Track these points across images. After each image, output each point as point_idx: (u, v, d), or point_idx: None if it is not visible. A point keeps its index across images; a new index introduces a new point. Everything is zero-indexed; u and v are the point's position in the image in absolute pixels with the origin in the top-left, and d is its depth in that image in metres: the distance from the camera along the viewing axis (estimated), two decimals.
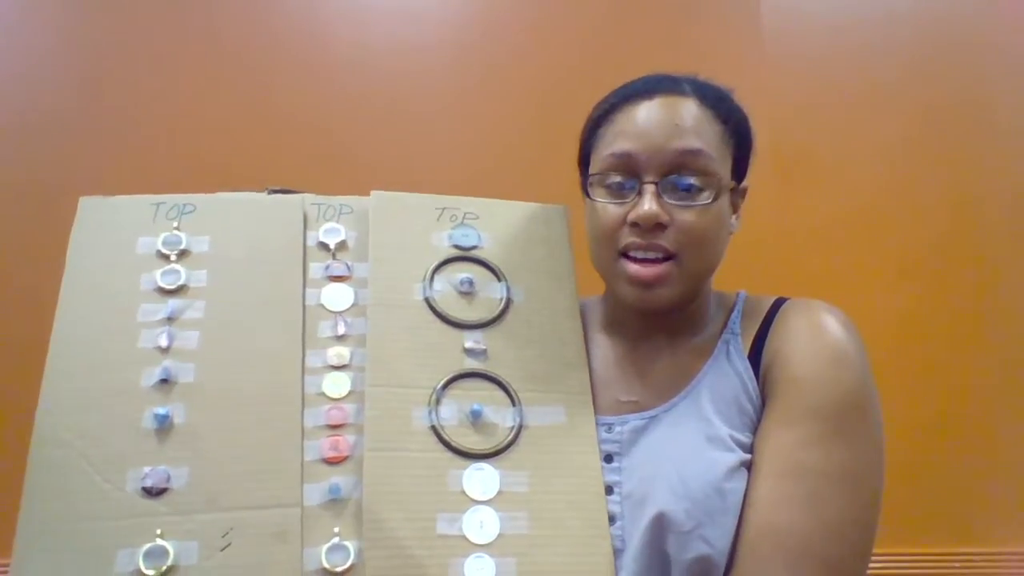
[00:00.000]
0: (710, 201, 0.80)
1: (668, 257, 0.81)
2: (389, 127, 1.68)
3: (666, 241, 0.80)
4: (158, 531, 0.73)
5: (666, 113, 0.81)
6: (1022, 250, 1.66)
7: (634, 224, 0.81)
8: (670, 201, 0.80)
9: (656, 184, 0.80)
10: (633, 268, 0.82)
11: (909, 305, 1.65)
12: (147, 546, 0.72)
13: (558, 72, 1.70)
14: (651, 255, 0.81)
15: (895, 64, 1.70)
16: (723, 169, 0.82)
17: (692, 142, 0.80)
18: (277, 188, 0.94)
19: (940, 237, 1.67)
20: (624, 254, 0.83)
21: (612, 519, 0.80)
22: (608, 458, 0.83)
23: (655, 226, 0.80)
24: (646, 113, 0.81)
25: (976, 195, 1.67)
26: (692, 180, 0.80)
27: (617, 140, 0.82)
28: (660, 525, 0.76)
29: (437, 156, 1.68)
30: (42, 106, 1.65)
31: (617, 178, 0.83)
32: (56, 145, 1.64)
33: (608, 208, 0.83)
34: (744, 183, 0.88)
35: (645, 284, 0.81)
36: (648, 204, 0.79)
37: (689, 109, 0.81)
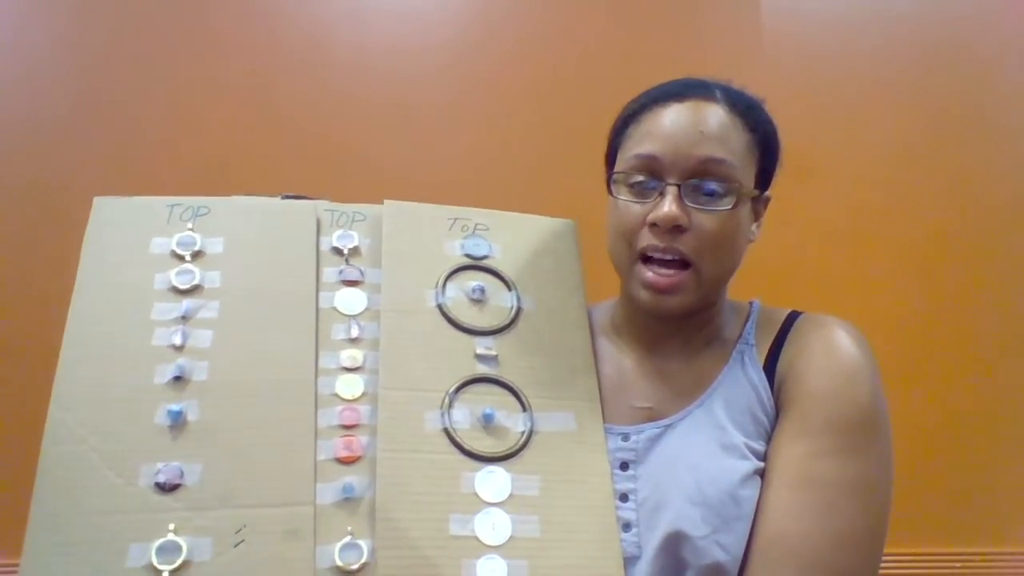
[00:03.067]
0: (731, 207, 0.81)
1: (685, 265, 0.82)
2: (389, 128, 1.69)
3: (684, 245, 0.81)
4: (171, 526, 0.72)
5: (693, 118, 0.82)
6: (1023, 250, 1.68)
7: (653, 224, 0.82)
8: (691, 205, 0.81)
9: (678, 187, 0.81)
10: (650, 276, 0.83)
11: (908, 305, 1.66)
12: (160, 541, 0.71)
13: (559, 73, 1.71)
14: (668, 257, 0.82)
15: (895, 64, 1.72)
16: (746, 177, 0.83)
17: (716, 150, 0.81)
18: (292, 194, 0.95)
19: (940, 237, 1.68)
20: (642, 257, 0.84)
21: (628, 526, 0.80)
22: (624, 466, 0.84)
23: (674, 228, 0.81)
24: (674, 116, 0.82)
25: (976, 195, 1.69)
26: (714, 186, 0.81)
27: (643, 141, 0.84)
28: (676, 531, 0.77)
29: (438, 157, 1.68)
30: (45, 108, 1.65)
31: (640, 178, 0.84)
32: (58, 147, 1.64)
33: (630, 207, 0.84)
34: (767, 193, 0.89)
35: (660, 291, 0.83)
36: (668, 206, 0.80)
37: (717, 116, 0.82)
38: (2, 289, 1.59)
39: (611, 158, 0.91)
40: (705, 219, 0.81)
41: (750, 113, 0.85)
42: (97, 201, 0.89)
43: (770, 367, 0.85)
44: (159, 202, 0.91)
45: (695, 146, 0.81)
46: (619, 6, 1.75)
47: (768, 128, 0.87)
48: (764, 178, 0.88)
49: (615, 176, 0.87)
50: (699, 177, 0.81)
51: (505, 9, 1.75)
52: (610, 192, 0.88)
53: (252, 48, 1.70)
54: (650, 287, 0.83)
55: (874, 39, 1.73)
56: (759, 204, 0.89)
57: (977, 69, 1.73)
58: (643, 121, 0.85)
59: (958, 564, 1.60)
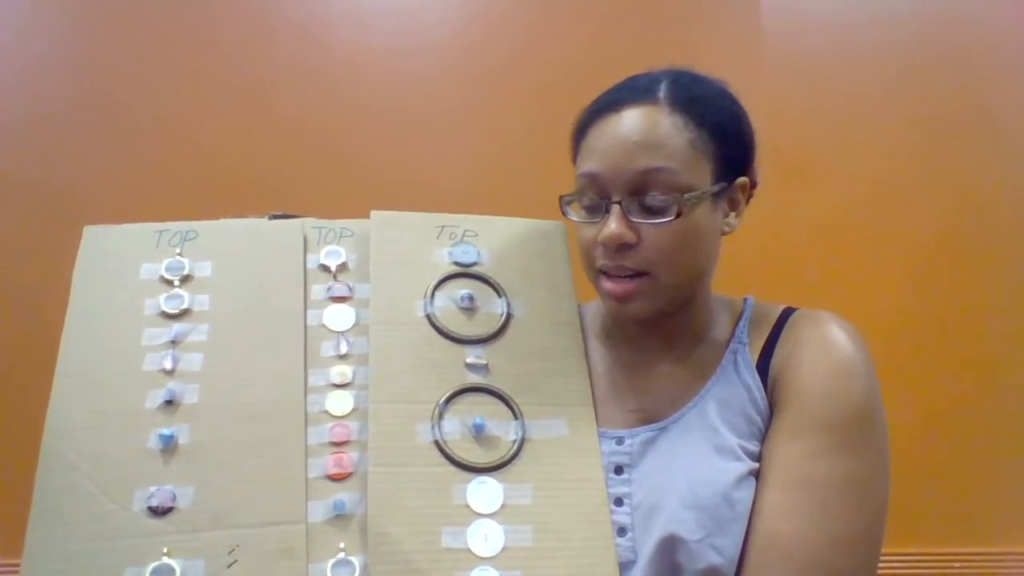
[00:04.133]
0: (674, 217, 0.78)
1: (640, 273, 0.81)
2: (390, 129, 1.69)
3: (633, 261, 0.80)
4: (164, 550, 0.73)
5: (628, 129, 0.80)
6: (1022, 249, 1.65)
7: (603, 244, 0.81)
8: (637, 220, 0.79)
9: (621, 204, 0.79)
10: (608, 285, 0.83)
11: (908, 305, 1.65)
12: (153, 564, 0.72)
13: (558, 73, 1.70)
14: (623, 273, 0.82)
15: (895, 64, 1.70)
16: (695, 178, 0.79)
17: (655, 160, 0.78)
18: (278, 213, 0.96)
19: (940, 237, 1.66)
20: (602, 271, 0.84)
21: (623, 531, 0.80)
22: (618, 470, 0.83)
23: (621, 246, 0.80)
24: (611, 130, 0.81)
25: (976, 195, 1.67)
26: (657, 197, 0.79)
27: (587, 159, 0.82)
28: (671, 535, 0.76)
29: (438, 158, 1.68)
30: (45, 108, 1.67)
31: (588, 198, 0.83)
32: (58, 147, 1.66)
33: (584, 227, 0.84)
34: (743, 179, 0.85)
35: (619, 299, 0.82)
36: (612, 225, 0.79)
37: (654, 121, 0.79)
38: (2, 289, 1.61)
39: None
40: (653, 232, 0.79)
41: (695, 107, 0.81)
42: (87, 230, 0.90)
43: (763, 365, 0.84)
44: (147, 228, 0.92)
45: (632, 159, 0.79)
46: (619, 6, 1.74)
47: (721, 116, 0.82)
48: (730, 167, 0.83)
49: (567, 197, 0.86)
50: (641, 191, 0.79)
51: (505, 9, 1.74)
52: (563, 212, 0.87)
53: (252, 48, 1.71)
54: (610, 296, 0.83)
55: (874, 39, 1.71)
56: (732, 193, 0.85)
57: (977, 69, 1.71)
58: (588, 136, 0.84)
59: (958, 564, 1.57)
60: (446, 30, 1.73)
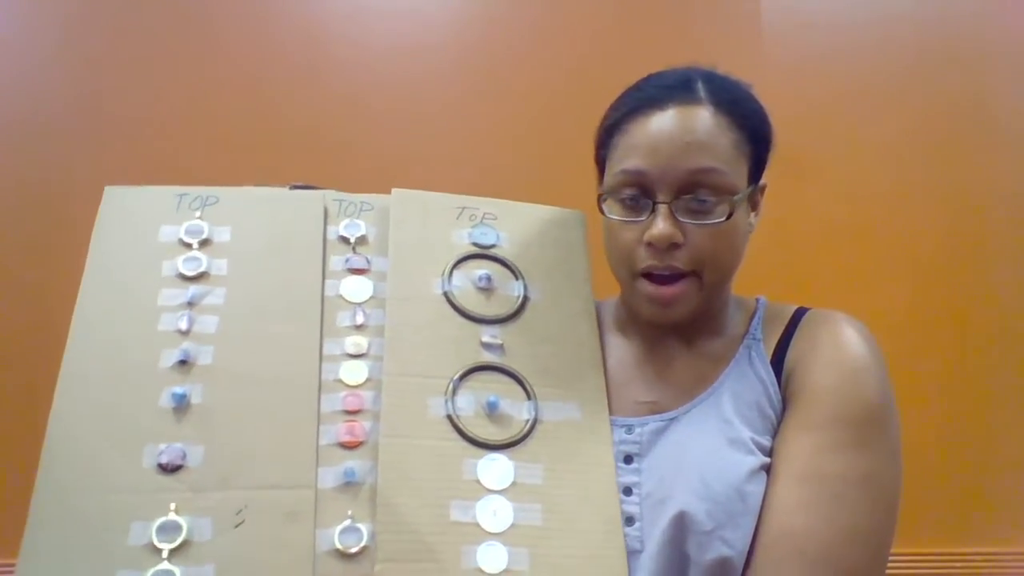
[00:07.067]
0: (724, 218, 0.79)
1: (685, 274, 0.81)
2: (391, 129, 1.69)
3: (680, 261, 0.80)
4: (172, 506, 0.73)
5: (678, 128, 0.79)
6: (1022, 250, 1.66)
7: (649, 244, 0.80)
8: (684, 220, 0.79)
9: (669, 204, 0.79)
10: (651, 289, 0.82)
11: (908, 305, 1.65)
12: (161, 520, 0.72)
13: (559, 72, 1.71)
14: (668, 273, 0.81)
15: (895, 64, 1.71)
16: (739, 179, 0.81)
17: (705, 160, 0.78)
18: (299, 184, 0.96)
19: (940, 237, 1.67)
20: (642, 274, 0.83)
21: (631, 520, 0.79)
22: (628, 459, 0.83)
23: (670, 246, 0.79)
24: (658, 127, 0.79)
25: (976, 195, 1.68)
26: (706, 198, 0.79)
27: (629, 156, 0.81)
28: (680, 525, 0.76)
29: (439, 158, 1.68)
30: (45, 108, 1.66)
31: (630, 195, 0.82)
32: (59, 147, 1.65)
33: (624, 227, 0.83)
34: (763, 180, 0.86)
35: (663, 303, 0.82)
36: (661, 225, 0.79)
37: (702, 121, 0.79)
38: (2, 289, 1.60)
39: (601, 165, 0.89)
40: (700, 233, 0.80)
41: (737, 108, 0.81)
42: (108, 190, 0.90)
43: (777, 361, 0.84)
44: (168, 191, 0.92)
45: (683, 158, 0.78)
46: (619, 6, 1.75)
47: (756, 119, 0.84)
48: (758, 168, 0.85)
49: (604, 195, 0.85)
50: (690, 191, 0.79)
51: (506, 9, 1.75)
52: (601, 211, 0.85)
53: (253, 47, 1.71)
54: (654, 301, 0.82)
55: (874, 39, 1.73)
56: (756, 195, 0.86)
57: (976, 68, 1.72)
58: (627, 131, 0.82)
59: (958, 564, 1.58)
60: (448, 30, 1.73)
